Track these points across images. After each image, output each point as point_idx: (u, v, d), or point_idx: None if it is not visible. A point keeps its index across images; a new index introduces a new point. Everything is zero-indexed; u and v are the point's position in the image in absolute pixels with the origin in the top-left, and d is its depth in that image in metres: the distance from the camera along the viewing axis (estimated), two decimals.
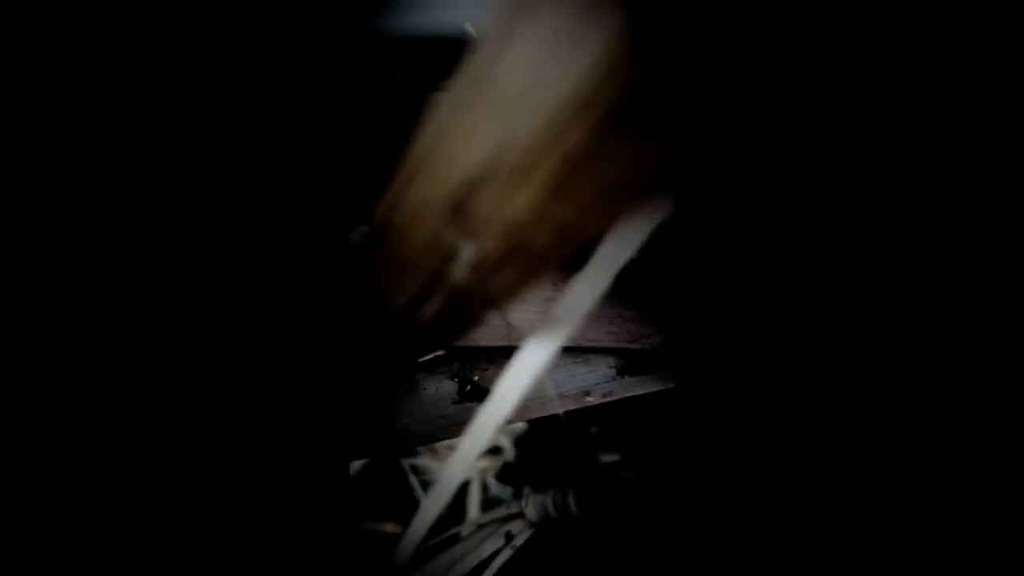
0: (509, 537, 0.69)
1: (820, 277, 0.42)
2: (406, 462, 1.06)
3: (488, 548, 0.70)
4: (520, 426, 1.03)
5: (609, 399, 0.51)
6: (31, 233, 0.36)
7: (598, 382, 0.51)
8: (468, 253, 0.32)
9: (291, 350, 0.39)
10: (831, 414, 0.40)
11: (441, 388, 0.50)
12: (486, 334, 0.47)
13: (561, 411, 0.48)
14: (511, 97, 0.27)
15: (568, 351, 0.51)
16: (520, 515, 0.69)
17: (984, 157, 0.37)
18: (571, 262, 0.34)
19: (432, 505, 0.38)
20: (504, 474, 1.06)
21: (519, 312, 0.46)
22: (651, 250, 0.54)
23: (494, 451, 1.09)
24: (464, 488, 1.06)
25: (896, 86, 0.36)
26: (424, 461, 1.08)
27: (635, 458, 1.04)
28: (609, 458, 1.07)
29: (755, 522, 0.43)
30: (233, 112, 0.38)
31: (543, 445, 1.05)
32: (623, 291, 0.51)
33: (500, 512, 0.69)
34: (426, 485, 1.07)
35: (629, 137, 0.27)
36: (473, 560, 0.70)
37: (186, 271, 0.38)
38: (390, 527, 1.00)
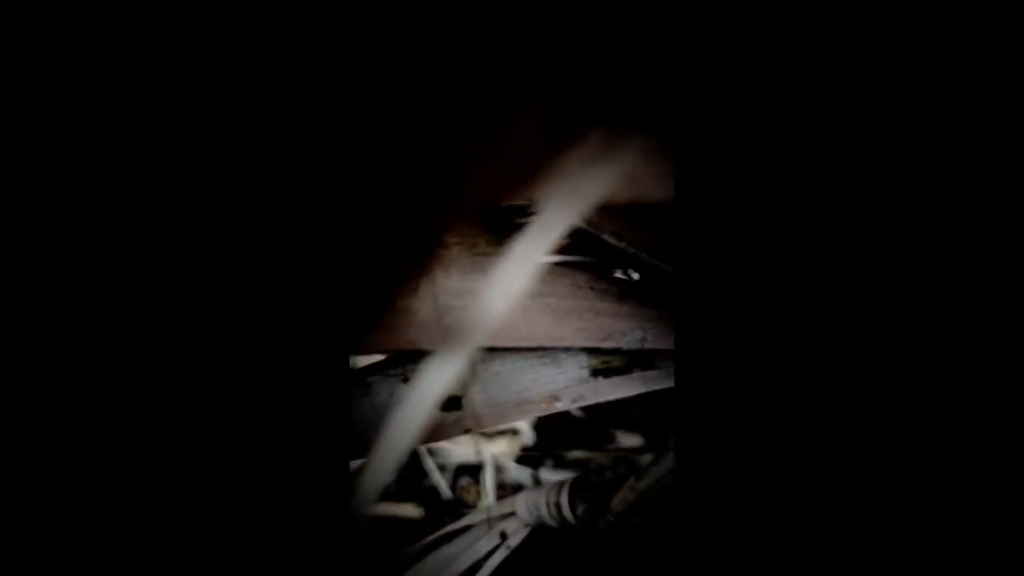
0: (504, 536, 0.66)
1: (829, 260, 0.37)
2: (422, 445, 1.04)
3: (483, 547, 0.67)
4: None
5: (580, 403, 0.46)
6: (30, 233, 0.36)
7: (568, 384, 0.46)
8: None
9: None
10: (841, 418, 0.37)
11: (395, 393, 0.46)
12: (423, 336, 0.42)
13: (526, 420, 0.43)
14: None
15: (533, 351, 0.46)
16: (513, 514, 0.64)
17: (984, 155, 0.33)
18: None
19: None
20: (523, 457, 1.03)
21: (455, 312, 0.41)
22: (629, 231, 0.48)
23: (512, 433, 1.07)
24: (478, 472, 1.04)
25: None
26: (440, 444, 1.06)
27: (657, 441, 0.99)
28: (630, 441, 1.02)
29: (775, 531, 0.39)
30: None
31: (560, 428, 1.02)
32: (596, 281, 0.45)
33: (492, 511, 0.65)
34: (442, 468, 1.06)
35: None
36: (467, 560, 0.67)
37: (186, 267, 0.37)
38: (409, 509, 1.00)
